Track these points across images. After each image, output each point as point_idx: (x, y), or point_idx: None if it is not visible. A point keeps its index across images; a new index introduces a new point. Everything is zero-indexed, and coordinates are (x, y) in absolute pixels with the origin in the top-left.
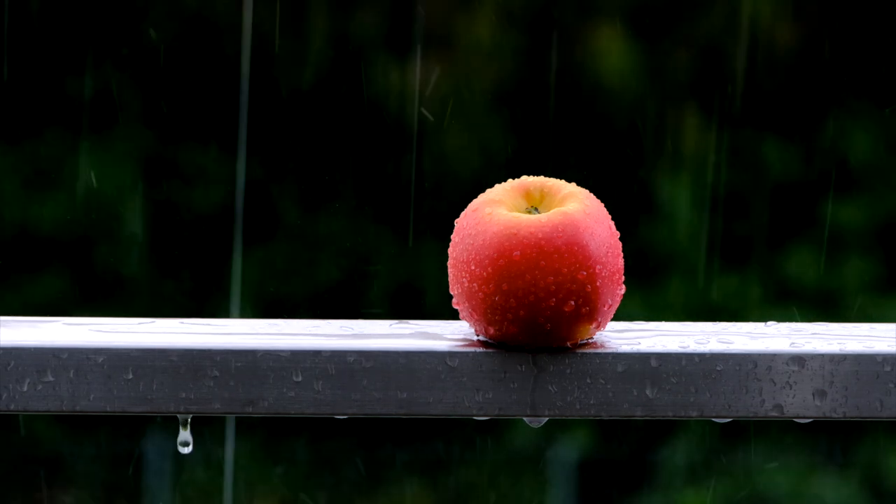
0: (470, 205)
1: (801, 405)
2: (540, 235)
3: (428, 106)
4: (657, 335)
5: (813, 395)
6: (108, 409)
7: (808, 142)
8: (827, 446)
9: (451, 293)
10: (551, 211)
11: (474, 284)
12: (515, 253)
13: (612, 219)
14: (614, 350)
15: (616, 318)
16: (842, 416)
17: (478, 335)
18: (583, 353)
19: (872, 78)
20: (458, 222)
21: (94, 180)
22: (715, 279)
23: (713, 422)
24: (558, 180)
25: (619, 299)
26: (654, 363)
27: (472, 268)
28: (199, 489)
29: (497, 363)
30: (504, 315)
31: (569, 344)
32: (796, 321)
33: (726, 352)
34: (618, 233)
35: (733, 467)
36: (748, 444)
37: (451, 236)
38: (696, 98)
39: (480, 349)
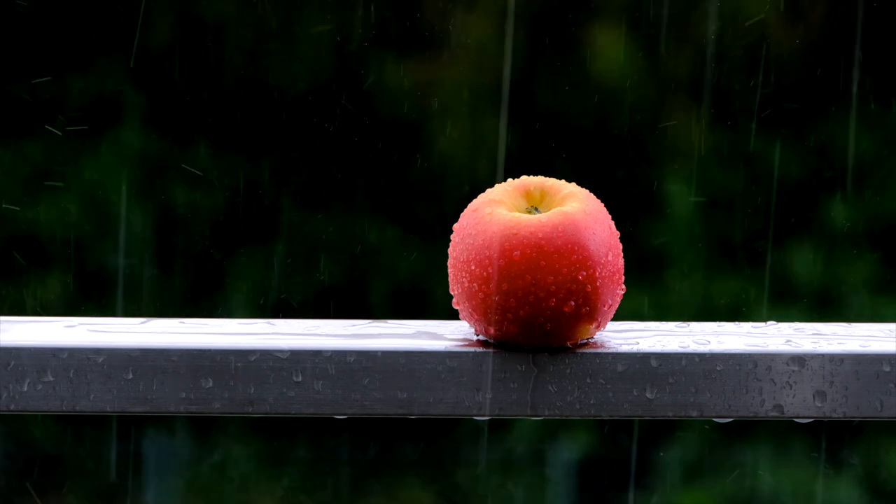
0: (470, 205)
1: (801, 405)
2: (540, 235)
3: (428, 105)
4: (657, 335)
5: (813, 395)
6: (108, 409)
7: (810, 141)
8: (827, 446)
9: (451, 293)
10: (551, 211)
11: (474, 284)
12: (515, 253)
13: (612, 219)
14: (614, 350)
15: (618, 317)
16: (842, 416)
17: (478, 335)
18: (583, 353)
19: (874, 77)
20: (458, 222)
21: (94, 180)
22: (715, 279)
23: (713, 422)
24: (558, 180)
25: (619, 299)
26: (654, 363)
27: (472, 268)
28: (199, 489)
29: (497, 363)
30: (504, 315)
31: (569, 344)
32: (796, 321)
33: (726, 352)
34: (618, 233)
35: (734, 467)
36: (749, 444)
37: (451, 236)
38: (696, 97)
39: (480, 349)
